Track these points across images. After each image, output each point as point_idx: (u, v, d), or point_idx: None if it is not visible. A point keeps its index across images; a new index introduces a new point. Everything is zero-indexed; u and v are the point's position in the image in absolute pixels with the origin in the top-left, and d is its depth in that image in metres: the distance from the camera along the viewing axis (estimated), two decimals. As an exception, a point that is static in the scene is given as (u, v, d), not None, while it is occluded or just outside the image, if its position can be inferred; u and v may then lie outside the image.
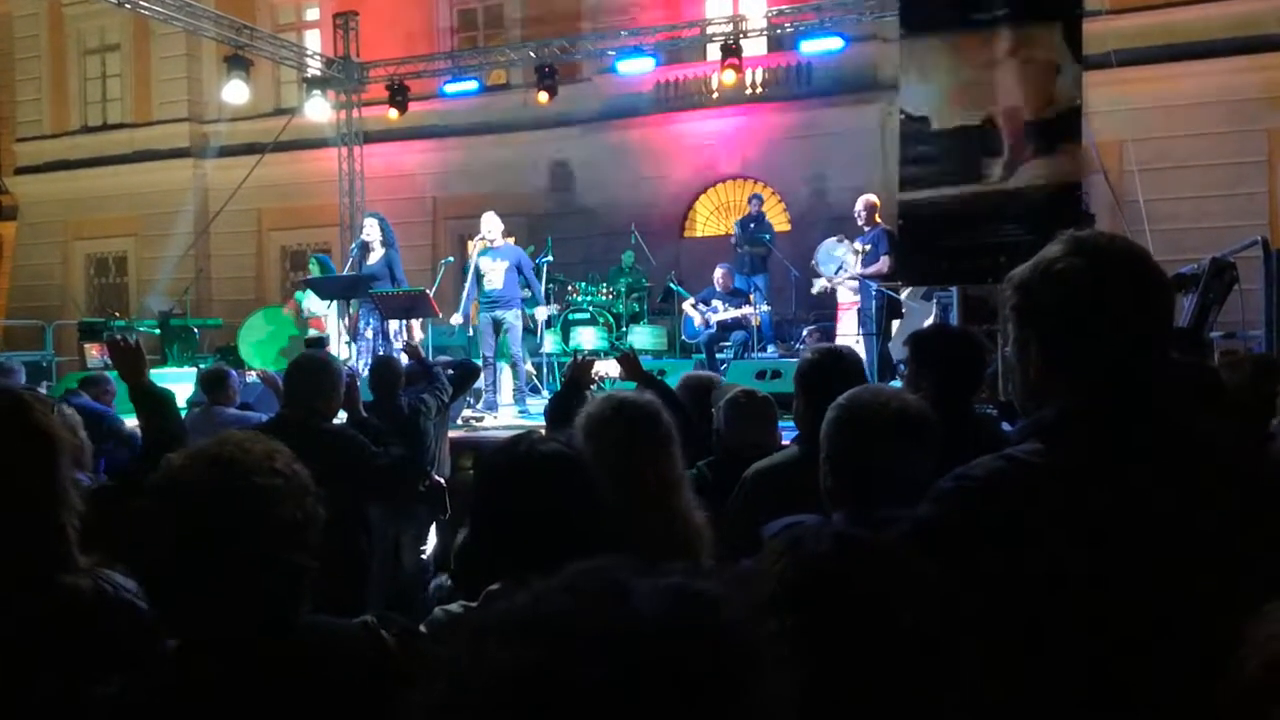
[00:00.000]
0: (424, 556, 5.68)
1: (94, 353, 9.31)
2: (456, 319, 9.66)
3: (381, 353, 8.61)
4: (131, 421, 3.14)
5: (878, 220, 9.23)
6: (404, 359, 6.48)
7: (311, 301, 10.61)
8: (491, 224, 8.85)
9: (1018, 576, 1.36)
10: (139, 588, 1.78)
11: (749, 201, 11.73)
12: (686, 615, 0.72)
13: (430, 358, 8.09)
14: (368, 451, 3.89)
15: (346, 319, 9.45)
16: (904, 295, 8.67)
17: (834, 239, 9.76)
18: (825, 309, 10.80)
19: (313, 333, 10.17)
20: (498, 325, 8.87)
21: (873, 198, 9.38)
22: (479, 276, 8.92)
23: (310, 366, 3.95)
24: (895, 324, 8.90)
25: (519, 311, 8.88)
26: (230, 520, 1.43)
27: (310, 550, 1.52)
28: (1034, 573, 1.36)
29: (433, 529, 5.72)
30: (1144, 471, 1.39)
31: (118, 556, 1.80)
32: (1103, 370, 1.44)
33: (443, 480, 5.55)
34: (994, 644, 1.29)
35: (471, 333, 9.85)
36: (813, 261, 10.01)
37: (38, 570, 1.71)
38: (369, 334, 9.37)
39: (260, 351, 10.98)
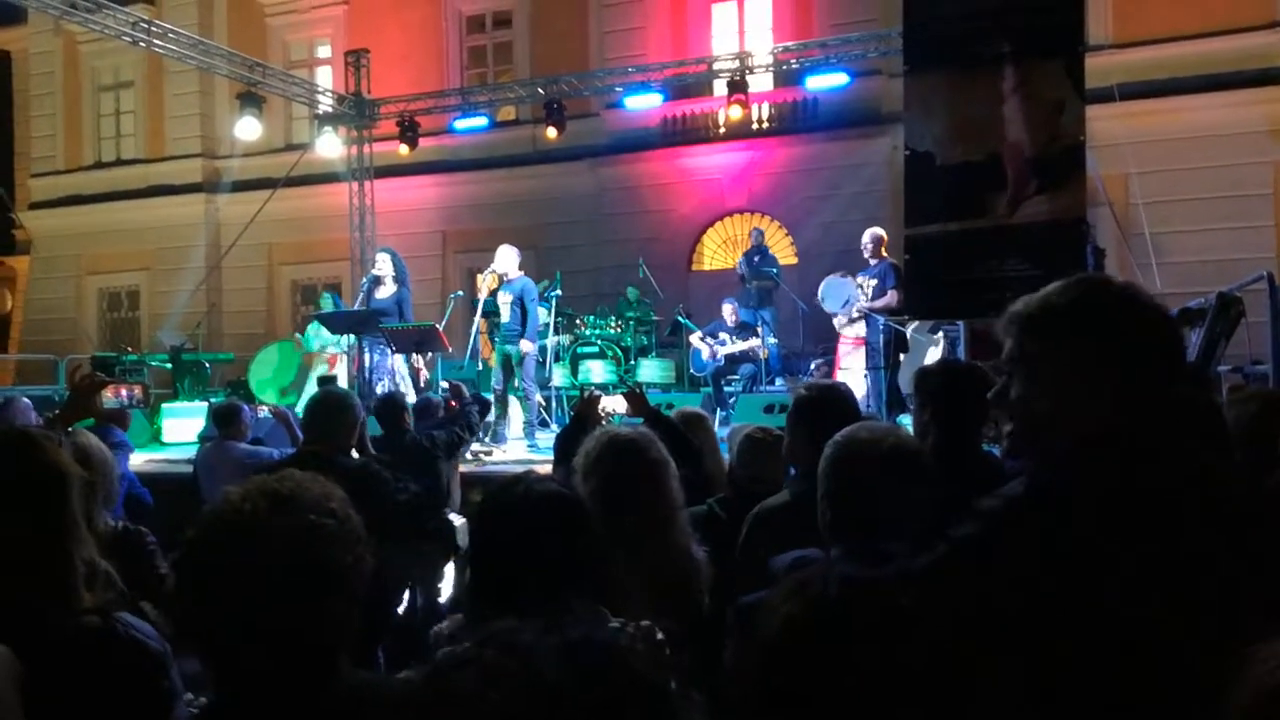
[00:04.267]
0: (440, 600, 5.56)
1: (108, 394, 9.36)
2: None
3: (391, 388, 8.64)
4: (141, 458, 3.13)
5: (884, 254, 9.16)
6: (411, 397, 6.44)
7: (321, 336, 10.69)
8: (503, 258, 8.87)
9: (1033, 604, 1.39)
10: (152, 629, 1.78)
11: (750, 235, 11.76)
12: (591, 672, 0.77)
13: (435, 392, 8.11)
14: (389, 487, 3.88)
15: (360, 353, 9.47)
16: (910, 329, 8.66)
17: (837, 274, 9.74)
18: (833, 342, 10.78)
19: (324, 370, 10.22)
20: (509, 359, 8.93)
21: (880, 231, 9.29)
22: (495, 311, 8.99)
23: (332, 402, 3.96)
24: (904, 358, 8.86)
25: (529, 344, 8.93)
26: (280, 555, 1.35)
27: (356, 601, 1.44)
28: (1044, 603, 1.38)
29: (450, 568, 5.59)
30: (1146, 506, 1.41)
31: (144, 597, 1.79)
32: (1105, 406, 1.47)
33: (453, 517, 5.46)
34: (1004, 677, 1.31)
35: (481, 366, 9.88)
36: (817, 298, 9.96)
37: (37, 609, 1.69)
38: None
39: (265, 386, 11.06)
